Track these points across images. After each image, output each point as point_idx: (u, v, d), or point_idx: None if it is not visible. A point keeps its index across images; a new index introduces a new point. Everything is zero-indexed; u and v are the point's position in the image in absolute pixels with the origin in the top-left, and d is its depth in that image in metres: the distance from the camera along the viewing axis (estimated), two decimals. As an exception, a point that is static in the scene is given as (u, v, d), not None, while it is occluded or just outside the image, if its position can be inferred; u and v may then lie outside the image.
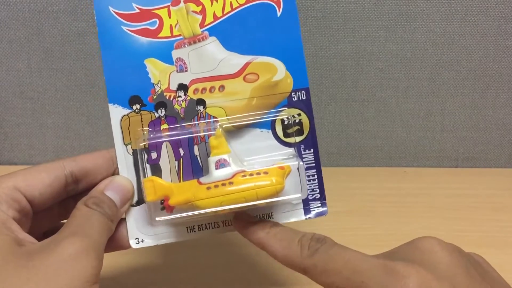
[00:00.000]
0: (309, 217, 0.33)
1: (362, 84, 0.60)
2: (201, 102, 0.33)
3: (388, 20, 0.57)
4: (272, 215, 0.33)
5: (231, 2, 0.33)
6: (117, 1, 0.33)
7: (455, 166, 0.64)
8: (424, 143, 0.63)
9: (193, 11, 0.33)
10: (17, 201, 0.28)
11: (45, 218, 0.31)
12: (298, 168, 0.32)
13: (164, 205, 0.32)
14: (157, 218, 0.31)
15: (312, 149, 0.33)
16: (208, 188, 0.30)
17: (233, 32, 0.33)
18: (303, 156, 0.33)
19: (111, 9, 0.33)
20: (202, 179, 0.32)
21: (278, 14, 0.33)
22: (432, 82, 0.60)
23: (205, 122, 0.33)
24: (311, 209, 0.33)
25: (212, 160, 0.32)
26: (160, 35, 0.33)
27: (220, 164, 0.31)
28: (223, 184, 0.30)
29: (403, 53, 0.58)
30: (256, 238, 0.30)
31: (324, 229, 0.33)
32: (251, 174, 0.31)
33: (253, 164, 0.32)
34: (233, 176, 0.31)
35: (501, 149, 0.63)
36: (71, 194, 0.31)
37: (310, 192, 0.33)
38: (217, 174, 0.31)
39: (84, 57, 0.58)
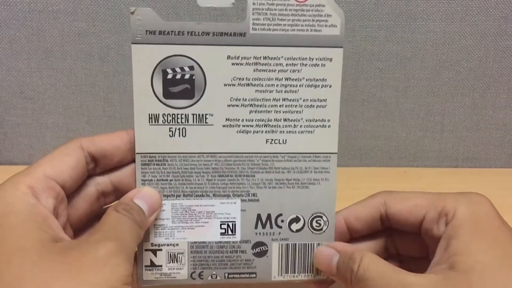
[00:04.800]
0: None
1: (362, 84, 0.60)
2: None
3: (388, 20, 0.57)
4: None
5: None
6: None
7: (455, 166, 0.63)
8: (424, 143, 0.63)
9: None
10: (52, 189, 0.28)
11: (78, 204, 0.31)
12: None
13: None
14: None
15: None
16: None
17: None
18: None
19: None
20: None
21: None
22: (432, 82, 0.60)
23: None
24: None
25: None
26: None
27: None
28: None
29: (403, 53, 0.58)
30: None
31: (324, 229, 0.33)
32: None
33: None
34: None
35: (501, 149, 0.63)
36: (91, 173, 0.31)
37: None
38: None
39: (84, 57, 0.58)
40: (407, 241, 0.32)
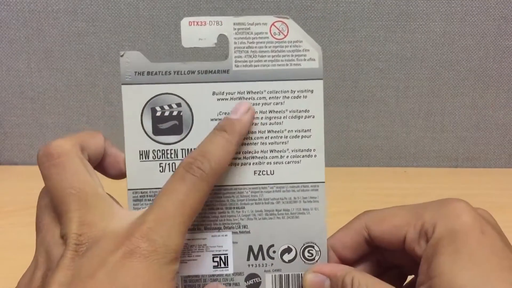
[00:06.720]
0: None
1: (362, 84, 0.60)
2: None
3: (388, 20, 0.57)
4: None
5: None
6: None
7: (455, 166, 0.63)
8: (424, 143, 0.63)
9: None
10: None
11: None
12: None
13: None
14: None
15: None
16: None
17: None
18: None
19: None
20: None
21: None
22: (432, 82, 0.60)
23: None
24: None
25: None
26: None
27: None
28: None
29: (403, 53, 0.58)
30: None
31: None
32: None
33: None
34: None
35: (501, 149, 0.63)
36: None
37: None
38: None
39: (84, 57, 0.58)
40: (397, 255, 0.31)
